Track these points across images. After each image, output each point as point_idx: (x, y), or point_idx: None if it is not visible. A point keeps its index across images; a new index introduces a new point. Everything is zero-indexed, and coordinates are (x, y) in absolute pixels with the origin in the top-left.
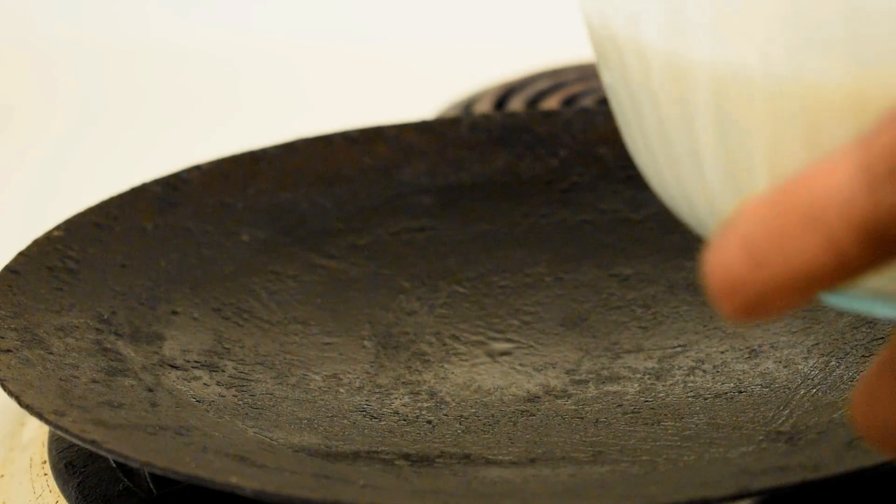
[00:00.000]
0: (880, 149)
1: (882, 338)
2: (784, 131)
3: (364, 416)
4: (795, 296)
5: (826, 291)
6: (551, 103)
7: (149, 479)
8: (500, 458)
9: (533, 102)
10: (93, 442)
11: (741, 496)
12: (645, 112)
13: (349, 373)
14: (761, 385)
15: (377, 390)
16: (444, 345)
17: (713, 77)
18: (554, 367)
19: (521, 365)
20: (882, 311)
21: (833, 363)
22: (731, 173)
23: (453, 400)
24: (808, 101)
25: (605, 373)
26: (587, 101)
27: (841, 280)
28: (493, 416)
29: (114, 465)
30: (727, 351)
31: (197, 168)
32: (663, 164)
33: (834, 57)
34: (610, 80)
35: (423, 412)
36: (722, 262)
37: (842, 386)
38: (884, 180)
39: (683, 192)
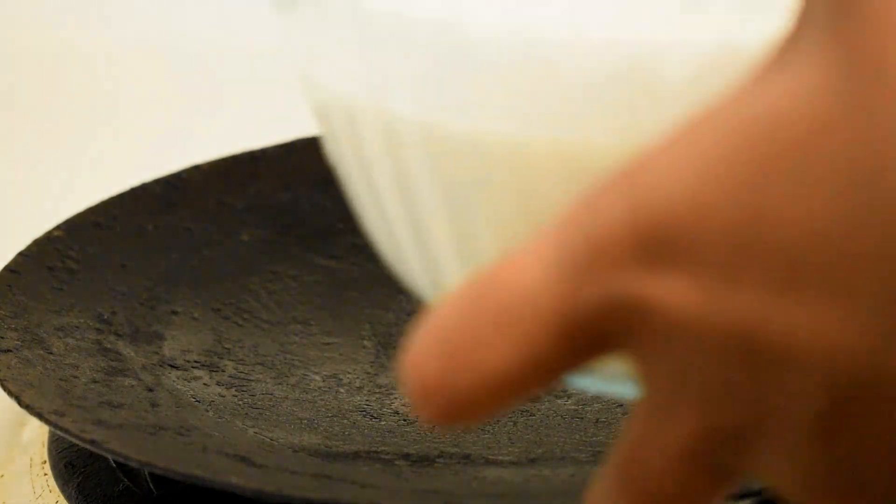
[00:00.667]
0: (571, 238)
1: None
2: (498, 194)
3: (364, 416)
4: (495, 400)
5: (527, 395)
6: None
7: (149, 479)
8: (500, 458)
9: None
10: (93, 442)
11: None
12: (369, 176)
13: (349, 373)
14: None
15: (377, 390)
16: None
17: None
18: None
19: None
20: (613, 390)
21: None
22: (457, 240)
23: None
24: (515, 162)
25: None
26: None
27: (541, 381)
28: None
29: (114, 465)
30: None
31: (197, 168)
32: (389, 232)
33: (533, 118)
34: (336, 150)
35: None
36: (416, 364)
37: None
38: (577, 273)
39: (407, 261)
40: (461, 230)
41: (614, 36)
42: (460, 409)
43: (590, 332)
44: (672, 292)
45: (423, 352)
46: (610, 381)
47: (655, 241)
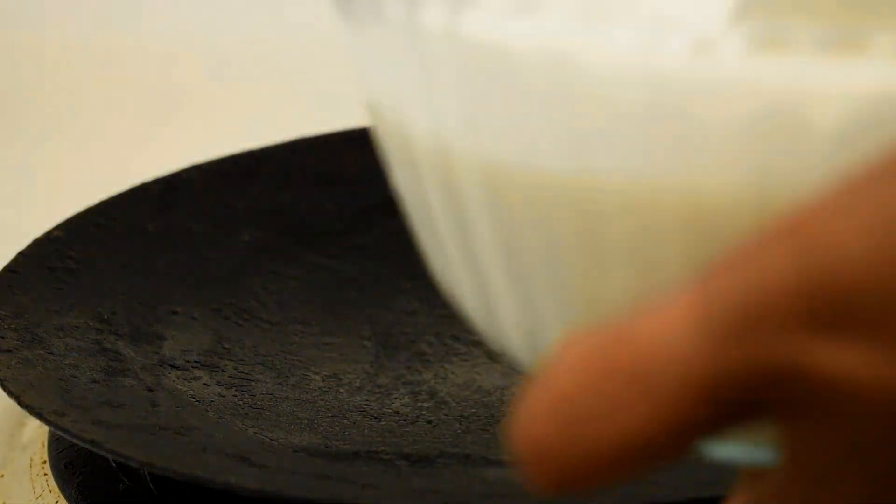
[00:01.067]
0: (724, 296)
1: None
2: (564, 243)
3: (364, 416)
4: (621, 469)
5: (653, 465)
6: None
7: (149, 479)
8: (500, 458)
9: None
10: (93, 442)
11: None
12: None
13: (349, 373)
14: None
15: (377, 390)
16: (444, 345)
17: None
18: None
19: None
20: (736, 455)
21: None
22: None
23: (453, 400)
24: (584, 203)
25: None
26: None
27: (675, 450)
28: (493, 416)
29: (114, 465)
30: None
31: (197, 168)
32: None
33: (614, 159)
34: (402, 182)
35: (423, 412)
36: (529, 428)
37: None
38: (731, 334)
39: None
40: (517, 270)
41: (757, 78)
42: (579, 477)
43: (738, 399)
44: (843, 361)
45: (537, 413)
46: (737, 446)
47: (827, 306)
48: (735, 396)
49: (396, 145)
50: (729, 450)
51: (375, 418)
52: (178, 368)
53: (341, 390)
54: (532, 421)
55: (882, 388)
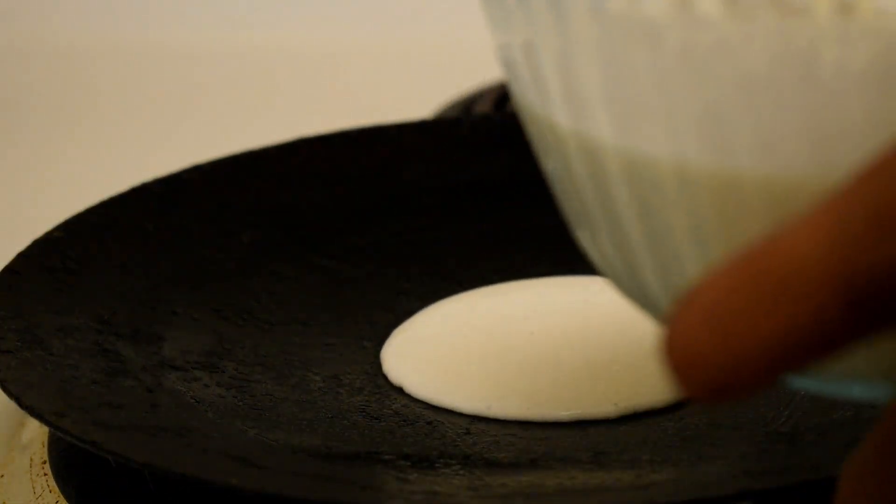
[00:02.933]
0: (855, 205)
1: None
2: (701, 221)
3: (364, 416)
4: (768, 373)
5: (800, 369)
6: None
7: (149, 480)
8: (500, 458)
9: None
10: (93, 443)
11: (741, 496)
12: (589, 201)
13: (349, 373)
14: None
15: (377, 391)
16: None
17: (622, 162)
18: None
19: None
20: (853, 392)
21: None
22: (661, 264)
23: None
24: (723, 193)
25: None
26: None
27: (819, 353)
28: (493, 416)
29: (114, 466)
30: None
31: (197, 168)
32: (609, 245)
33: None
34: (551, 170)
35: (423, 412)
36: (683, 338)
37: None
38: (864, 237)
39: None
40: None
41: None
42: (731, 384)
43: (878, 297)
44: None
45: (689, 323)
46: (844, 380)
47: None
48: (873, 297)
49: (544, 133)
50: (851, 387)
51: (375, 419)
52: (178, 369)
53: (341, 391)
54: (682, 331)
55: None
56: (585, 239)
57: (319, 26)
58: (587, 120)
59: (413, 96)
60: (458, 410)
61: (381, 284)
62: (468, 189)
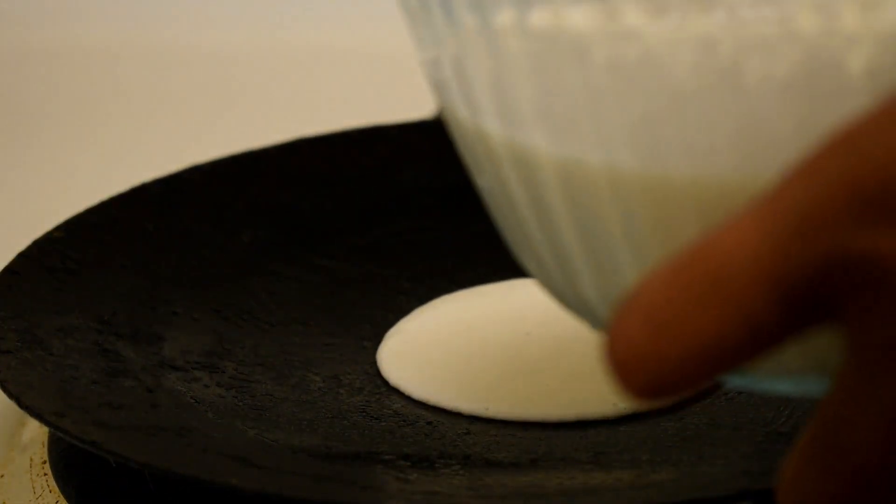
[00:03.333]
0: (786, 203)
1: None
2: (636, 226)
3: (364, 416)
4: (704, 372)
5: (736, 367)
6: None
7: (149, 480)
8: (500, 458)
9: None
10: (93, 443)
11: (741, 496)
12: (520, 213)
13: (349, 373)
14: None
15: (377, 391)
16: None
17: (556, 169)
18: None
19: None
20: (786, 387)
21: None
22: (599, 271)
23: None
24: (655, 194)
25: None
26: None
27: (753, 351)
28: (493, 416)
29: (114, 466)
30: None
31: (197, 168)
32: (537, 257)
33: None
34: (484, 184)
35: (422, 413)
36: (623, 340)
37: None
38: (793, 235)
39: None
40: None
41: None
42: (667, 381)
43: (806, 295)
44: None
45: (629, 323)
46: (775, 377)
47: (879, 196)
48: (803, 293)
49: (476, 147)
50: (784, 383)
51: (375, 419)
52: (178, 369)
53: (341, 391)
54: (625, 332)
55: None
56: (523, 253)
57: (320, 26)
58: (520, 131)
59: (413, 96)
60: (457, 411)
61: (381, 284)
62: (468, 189)
